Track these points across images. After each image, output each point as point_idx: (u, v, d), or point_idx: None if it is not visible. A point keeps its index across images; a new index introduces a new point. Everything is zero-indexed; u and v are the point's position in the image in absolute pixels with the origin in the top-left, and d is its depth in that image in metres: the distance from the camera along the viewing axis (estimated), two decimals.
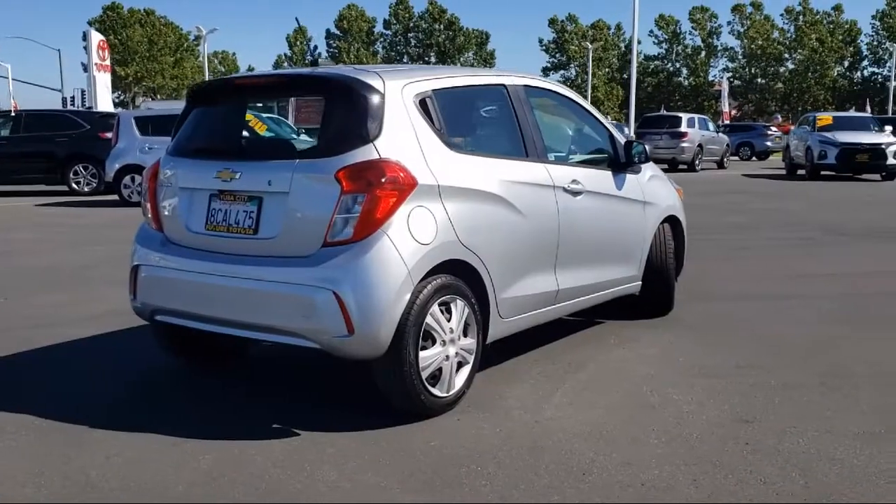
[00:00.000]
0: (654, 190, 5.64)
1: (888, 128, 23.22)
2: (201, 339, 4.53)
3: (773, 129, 38.46)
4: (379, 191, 3.61)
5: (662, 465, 3.31)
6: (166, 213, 4.26)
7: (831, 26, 77.19)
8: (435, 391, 3.84)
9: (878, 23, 78.25)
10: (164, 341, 4.57)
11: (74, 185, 16.90)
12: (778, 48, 77.22)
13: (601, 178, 5.11)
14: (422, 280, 3.71)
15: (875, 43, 78.98)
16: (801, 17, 77.34)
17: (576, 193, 4.77)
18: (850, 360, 4.81)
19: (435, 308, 3.79)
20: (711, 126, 29.44)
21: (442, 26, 76.00)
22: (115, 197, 15.01)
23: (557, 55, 77.75)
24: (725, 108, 42.36)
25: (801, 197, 16.68)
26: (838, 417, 3.84)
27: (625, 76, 74.15)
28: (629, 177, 5.35)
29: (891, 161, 21.42)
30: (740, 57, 78.15)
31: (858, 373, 4.55)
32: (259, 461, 3.39)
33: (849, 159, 21.41)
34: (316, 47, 4.58)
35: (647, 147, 5.49)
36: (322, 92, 4.13)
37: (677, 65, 79.38)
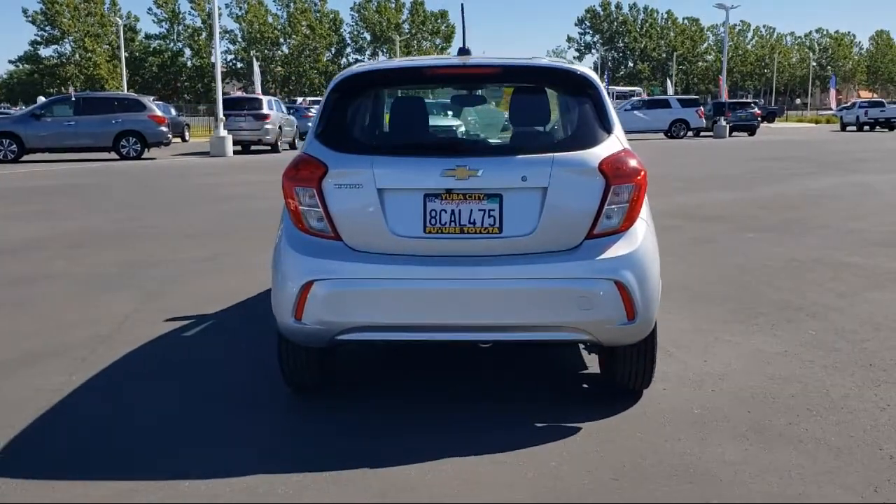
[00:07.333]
0: None
1: None
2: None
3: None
4: (638, 180, 3.71)
5: None
6: (349, 218, 3.64)
7: (318, 15, 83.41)
8: None
9: (356, 14, 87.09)
10: (308, 365, 3.91)
11: None
12: (274, 33, 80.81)
13: None
14: None
15: (356, 32, 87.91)
16: (292, 4, 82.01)
17: None
18: (843, 307, 6.08)
19: None
20: (284, 108, 30.19)
21: None
22: None
23: (48, 28, 70.35)
24: (259, 89, 43.34)
25: None
26: None
27: (126, 54, 70.48)
28: None
29: None
30: (240, 39, 79.91)
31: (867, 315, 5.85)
32: (619, 457, 3.33)
33: None
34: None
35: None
36: (558, 84, 3.98)
37: (180, 45, 78.02)
